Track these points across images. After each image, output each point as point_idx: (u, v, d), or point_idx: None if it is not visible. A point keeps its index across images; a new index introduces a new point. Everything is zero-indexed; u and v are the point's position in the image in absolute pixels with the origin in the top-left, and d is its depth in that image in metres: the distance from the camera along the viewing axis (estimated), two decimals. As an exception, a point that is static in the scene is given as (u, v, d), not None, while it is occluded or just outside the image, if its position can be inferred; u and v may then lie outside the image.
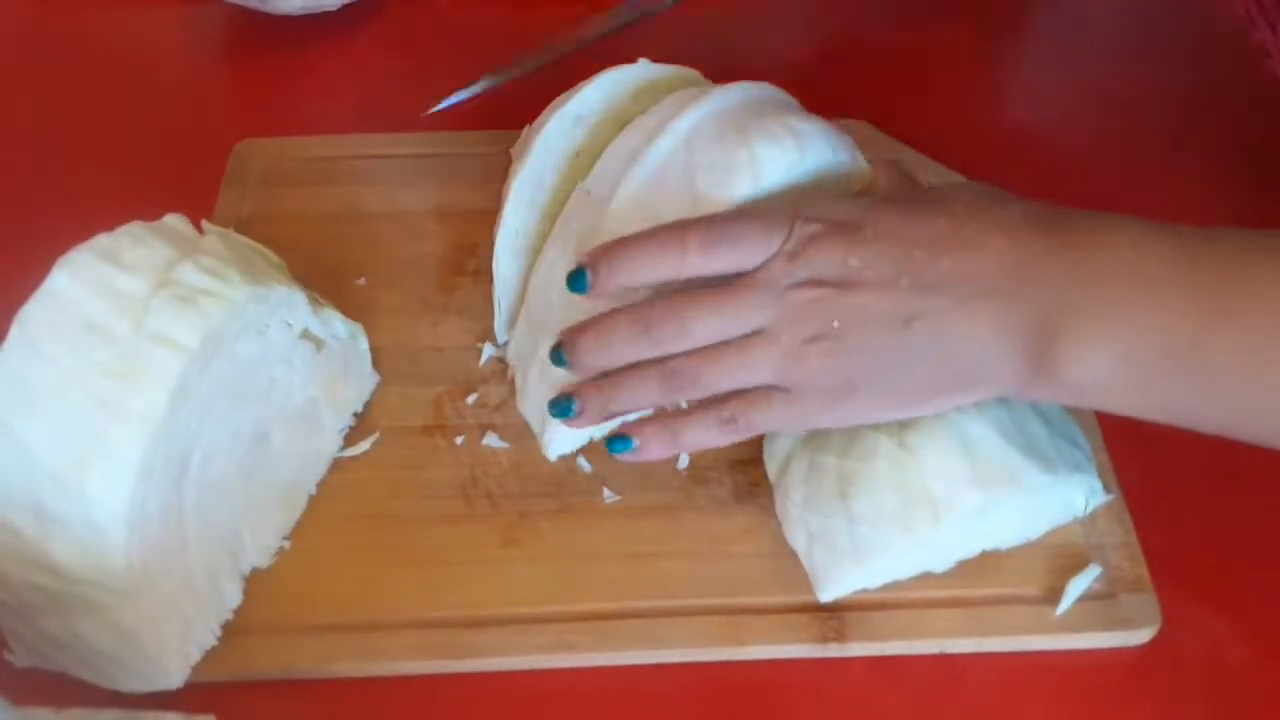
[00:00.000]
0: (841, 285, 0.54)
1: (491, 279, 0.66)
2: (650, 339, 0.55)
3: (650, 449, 0.57)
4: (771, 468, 0.61)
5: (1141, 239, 0.52)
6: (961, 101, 0.84)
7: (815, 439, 0.59)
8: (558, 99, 0.66)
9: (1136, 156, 0.79)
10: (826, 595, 0.58)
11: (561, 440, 0.62)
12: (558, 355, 0.57)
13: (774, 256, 0.54)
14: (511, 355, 0.66)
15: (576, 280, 0.57)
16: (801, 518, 0.58)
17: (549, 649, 0.57)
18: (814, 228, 0.54)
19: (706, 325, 0.55)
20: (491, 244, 0.66)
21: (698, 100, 0.60)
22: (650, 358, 0.56)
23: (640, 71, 0.66)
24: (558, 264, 0.61)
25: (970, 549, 0.59)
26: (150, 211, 0.75)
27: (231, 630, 0.57)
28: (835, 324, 0.54)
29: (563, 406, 0.58)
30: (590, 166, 0.62)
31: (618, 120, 0.63)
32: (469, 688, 0.57)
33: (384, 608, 0.58)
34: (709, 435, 0.57)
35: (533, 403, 0.62)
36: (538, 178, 0.64)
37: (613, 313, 0.56)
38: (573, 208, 0.62)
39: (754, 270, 0.55)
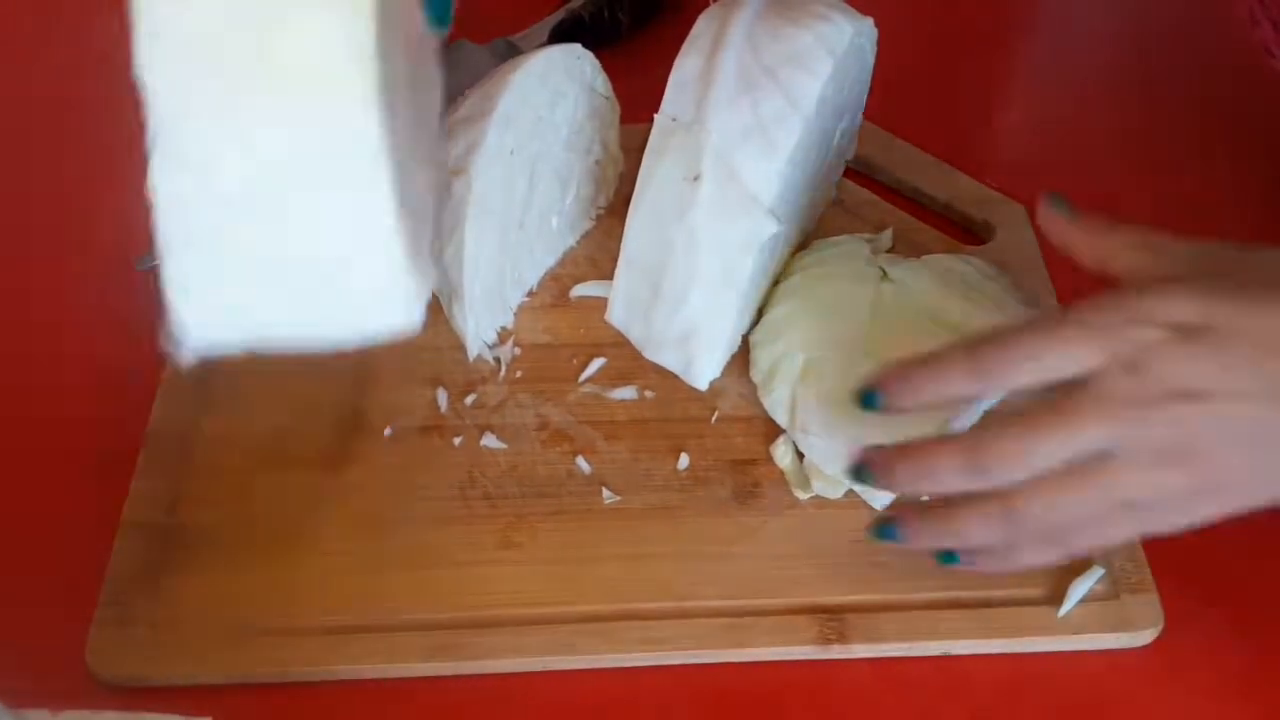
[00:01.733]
0: (1195, 398, 0.49)
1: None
2: (985, 475, 0.51)
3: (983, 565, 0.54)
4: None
5: None
6: (963, 101, 0.84)
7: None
8: (471, 100, 0.66)
9: (1138, 155, 0.79)
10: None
11: (706, 361, 0.63)
12: (863, 473, 0.54)
13: (1107, 369, 0.50)
14: (617, 318, 0.65)
15: (867, 400, 0.53)
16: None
17: (548, 650, 0.57)
18: (1152, 334, 0.50)
19: (1048, 453, 0.50)
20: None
21: (735, 10, 0.62)
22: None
23: (545, 63, 0.66)
24: (667, 204, 0.62)
25: None
26: (146, 208, 0.75)
27: (228, 631, 0.57)
28: (1193, 439, 0.50)
29: (886, 530, 0.54)
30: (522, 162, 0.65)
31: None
32: (467, 689, 0.56)
33: (381, 609, 0.58)
34: (1044, 557, 0.53)
35: (664, 338, 0.63)
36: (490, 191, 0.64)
37: (936, 443, 0.52)
38: (660, 138, 0.63)
39: (1087, 384, 0.50)
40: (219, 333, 0.45)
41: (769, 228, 0.60)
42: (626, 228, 0.63)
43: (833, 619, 0.57)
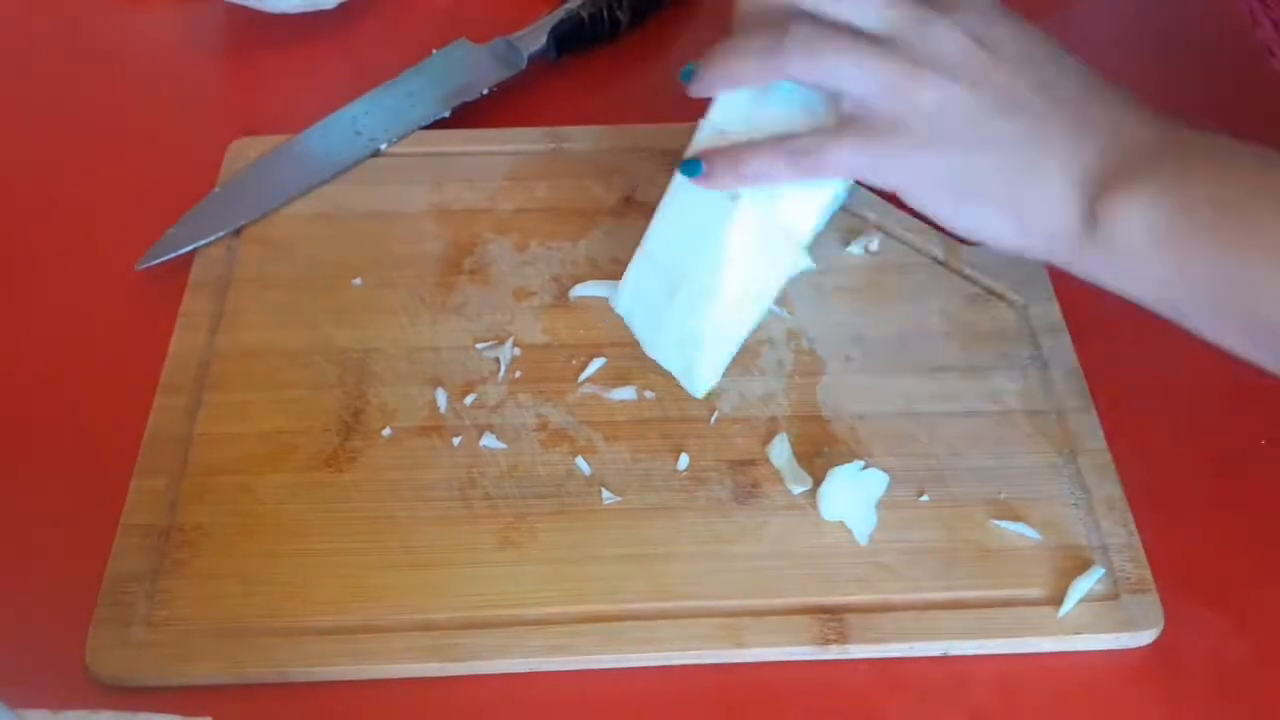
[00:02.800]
0: (976, 42, 0.54)
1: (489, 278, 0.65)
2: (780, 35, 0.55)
3: (716, 176, 0.57)
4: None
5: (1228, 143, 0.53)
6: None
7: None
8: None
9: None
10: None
11: (707, 371, 0.62)
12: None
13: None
14: (623, 308, 0.64)
15: (690, 168, 0.57)
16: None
17: (547, 651, 0.57)
18: None
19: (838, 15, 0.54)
20: (488, 243, 0.65)
21: None
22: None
23: None
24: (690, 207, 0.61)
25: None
26: (145, 208, 0.75)
27: (227, 632, 0.57)
28: (954, 68, 0.53)
29: (691, 166, 0.58)
30: None
31: None
32: (467, 690, 0.56)
33: (381, 609, 0.58)
34: (776, 167, 0.56)
35: (669, 338, 0.63)
36: None
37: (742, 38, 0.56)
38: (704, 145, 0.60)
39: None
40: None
41: (801, 263, 0.59)
42: (653, 224, 0.61)
43: (833, 619, 0.57)
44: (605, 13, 0.84)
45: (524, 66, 0.82)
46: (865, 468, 0.61)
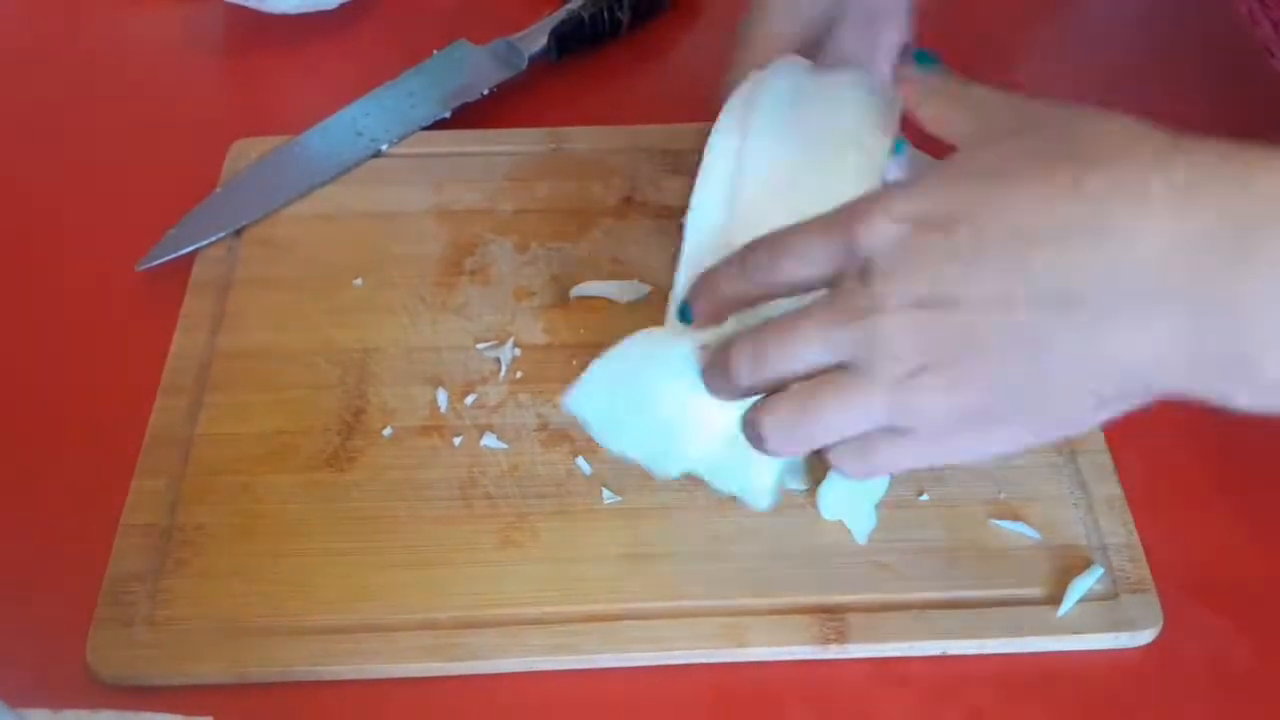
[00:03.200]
0: (939, 306, 0.44)
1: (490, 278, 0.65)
2: (729, 379, 0.50)
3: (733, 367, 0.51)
4: None
5: None
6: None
7: None
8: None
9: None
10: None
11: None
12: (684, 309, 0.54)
13: (845, 273, 0.46)
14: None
15: (682, 314, 0.53)
16: None
17: (548, 651, 0.57)
18: (888, 231, 0.45)
19: (777, 360, 0.48)
20: (488, 243, 0.65)
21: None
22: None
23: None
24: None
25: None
26: (146, 209, 0.75)
27: (228, 631, 0.57)
28: (942, 353, 0.44)
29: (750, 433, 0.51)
30: None
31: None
32: (467, 690, 0.56)
33: (381, 609, 0.58)
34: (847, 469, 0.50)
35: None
36: None
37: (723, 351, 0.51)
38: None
39: (832, 289, 0.47)
40: None
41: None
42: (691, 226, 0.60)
43: (833, 619, 0.57)
44: (606, 13, 0.84)
45: (524, 67, 0.82)
46: None
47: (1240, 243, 0.41)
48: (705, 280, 0.53)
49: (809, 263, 0.48)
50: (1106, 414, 0.46)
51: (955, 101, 0.51)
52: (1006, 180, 0.45)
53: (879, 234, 0.45)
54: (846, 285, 0.46)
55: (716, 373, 0.51)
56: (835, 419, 0.48)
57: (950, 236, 0.44)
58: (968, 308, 0.44)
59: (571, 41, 0.83)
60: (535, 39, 0.82)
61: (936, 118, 0.51)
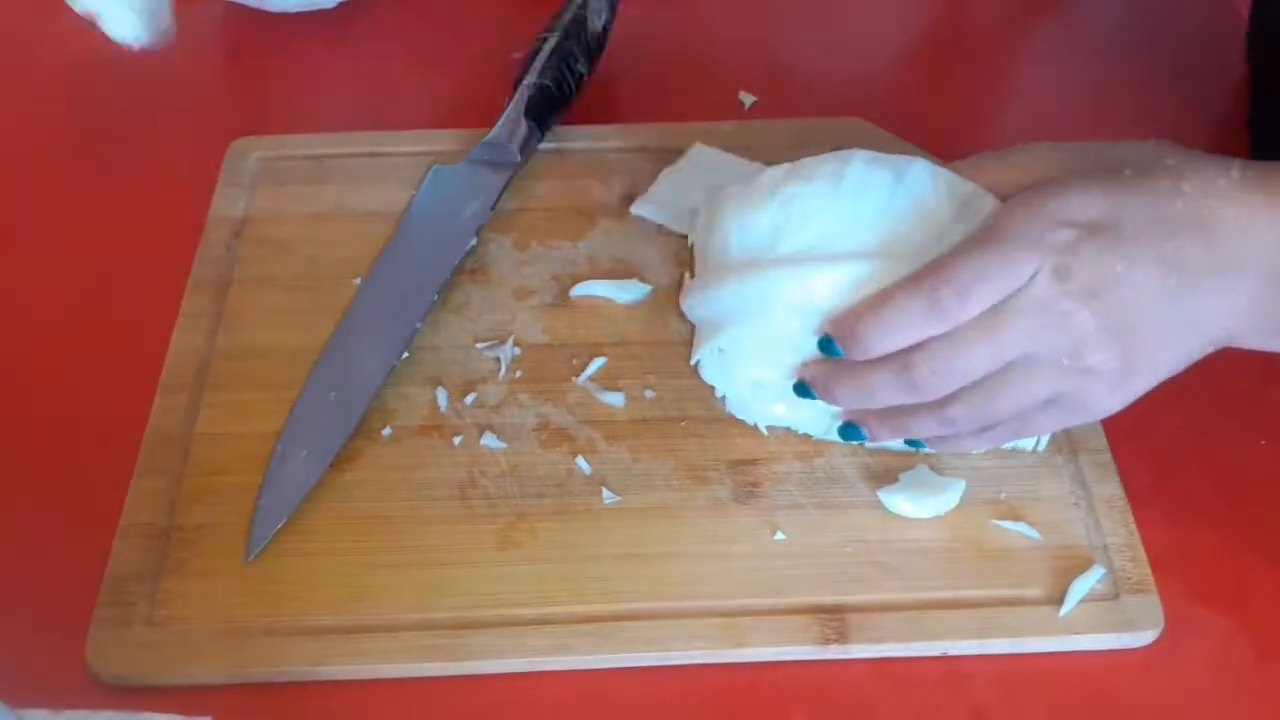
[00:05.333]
0: (1116, 291, 0.53)
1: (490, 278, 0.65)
2: (917, 392, 0.56)
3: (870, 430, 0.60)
4: None
5: None
6: (962, 98, 0.84)
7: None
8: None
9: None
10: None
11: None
12: (804, 390, 0.60)
13: (1036, 277, 0.53)
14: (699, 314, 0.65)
15: (828, 348, 0.58)
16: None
17: (547, 651, 0.57)
18: (1068, 234, 0.53)
19: (973, 369, 0.55)
20: (487, 243, 0.65)
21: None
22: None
23: None
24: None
25: None
26: (146, 207, 0.75)
27: (227, 631, 0.57)
28: (1109, 331, 0.53)
29: (852, 432, 0.60)
30: None
31: None
32: (466, 690, 0.56)
33: (380, 609, 0.58)
34: (978, 445, 0.60)
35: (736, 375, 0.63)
36: None
37: (871, 363, 0.57)
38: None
39: (1017, 295, 0.54)
40: None
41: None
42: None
43: (833, 619, 0.57)
44: (565, 71, 0.79)
45: (520, 159, 0.76)
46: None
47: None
48: (868, 325, 0.56)
49: (1002, 284, 0.54)
50: (1195, 359, 0.56)
51: (1003, 163, 0.59)
52: (1126, 189, 0.54)
53: (1067, 243, 0.53)
54: (1039, 292, 0.53)
55: (889, 382, 0.57)
56: (1014, 406, 0.56)
57: (1110, 236, 0.53)
58: (1138, 290, 0.53)
59: (547, 114, 0.78)
60: (512, 125, 0.76)
61: (994, 183, 0.58)
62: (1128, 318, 0.53)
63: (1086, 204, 0.54)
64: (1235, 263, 0.53)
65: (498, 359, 0.67)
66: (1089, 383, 0.55)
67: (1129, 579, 0.58)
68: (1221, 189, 0.53)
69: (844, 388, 0.58)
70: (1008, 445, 0.62)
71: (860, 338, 0.56)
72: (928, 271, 0.55)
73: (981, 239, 0.55)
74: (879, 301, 0.56)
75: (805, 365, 0.60)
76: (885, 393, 0.57)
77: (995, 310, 0.54)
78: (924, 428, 0.58)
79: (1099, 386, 0.55)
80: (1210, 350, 0.55)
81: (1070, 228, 0.53)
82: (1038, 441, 0.62)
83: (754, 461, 0.63)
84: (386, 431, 0.64)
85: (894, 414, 0.59)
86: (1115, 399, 0.56)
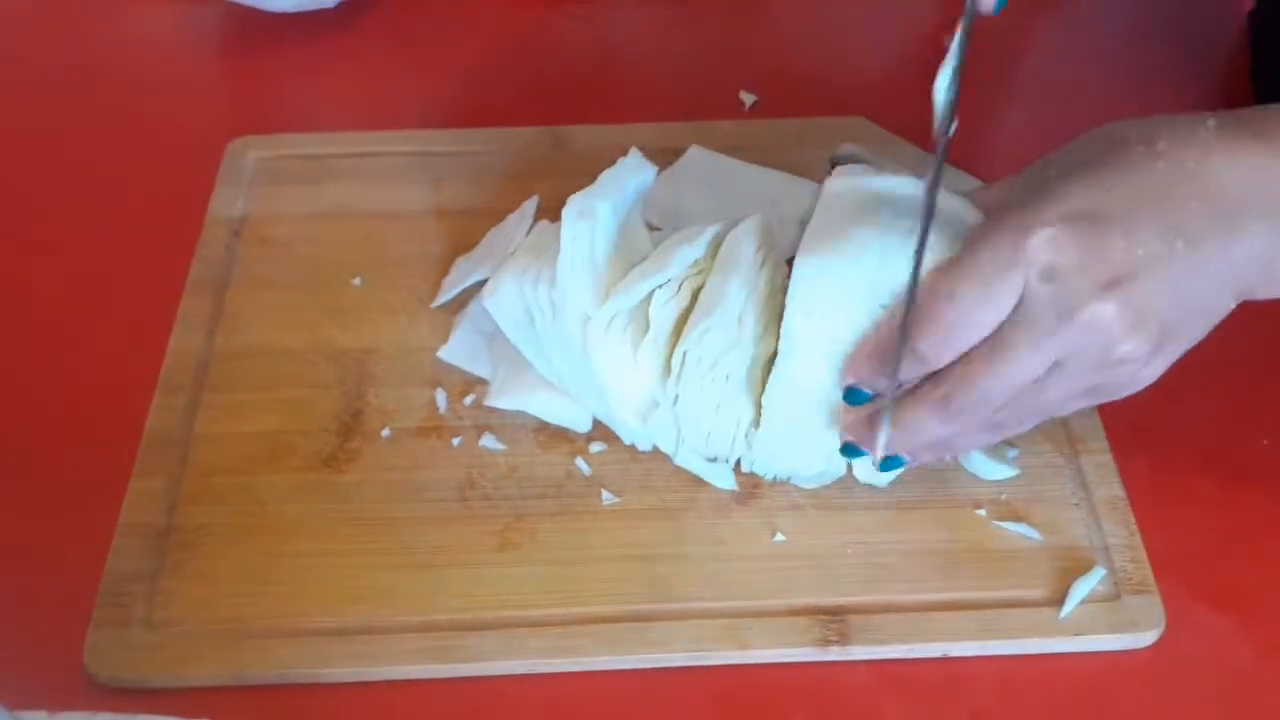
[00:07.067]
0: (1126, 277, 0.51)
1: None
2: (958, 422, 0.55)
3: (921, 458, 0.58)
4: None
5: None
6: (963, 98, 0.84)
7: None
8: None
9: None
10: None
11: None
12: (854, 450, 0.58)
13: (1026, 289, 0.51)
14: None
15: (855, 396, 0.56)
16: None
17: (547, 653, 0.56)
18: (1048, 233, 0.51)
19: (1003, 391, 0.53)
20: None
21: None
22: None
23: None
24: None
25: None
26: (144, 207, 0.75)
27: (226, 633, 0.57)
28: (1132, 318, 0.51)
29: (892, 463, 0.58)
30: None
31: None
32: (466, 691, 0.56)
33: (380, 611, 0.58)
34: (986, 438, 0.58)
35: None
36: None
37: (910, 404, 0.55)
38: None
39: (1016, 313, 0.52)
40: None
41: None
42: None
43: (833, 620, 0.57)
44: None
45: None
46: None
47: (1273, 163, 0.51)
48: (871, 370, 0.55)
49: (985, 318, 0.52)
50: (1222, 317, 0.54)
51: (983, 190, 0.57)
52: (1099, 169, 0.52)
53: (1045, 242, 0.51)
54: (1034, 302, 0.51)
55: (930, 416, 0.55)
56: (1048, 407, 0.55)
57: (1094, 221, 0.51)
58: (1141, 273, 0.51)
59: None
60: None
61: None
62: (1145, 294, 0.51)
63: (1059, 202, 0.52)
64: (1241, 208, 0.51)
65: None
66: (1125, 367, 0.53)
67: (1130, 580, 0.58)
68: (1202, 139, 0.51)
69: (895, 435, 0.56)
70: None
71: (867, 385, 0.56)
72: (905, 320, 0.53)
73: (954, 274, 0.53)
74: (875, 352, 0.55)
75: (844, 424, 0.58)
76: (927, 429, 0.55)
77: (1001, 329, 0.52)
78: (972, 443, 0.58)
79: (1135, 367, 0.53)
80: (1233, 306, 0.53)
81: (1046, 228, 0.51)
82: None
83: (754, 462, 0.63)
84: (385, 432, 0.64)
85: (943, 443, 0.57)
86: (1150, 372, 0.54)
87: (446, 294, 0.69)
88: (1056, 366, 0.53)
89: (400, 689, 0.56)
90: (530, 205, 0.70)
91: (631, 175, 0.64)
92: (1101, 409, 0.64)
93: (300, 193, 0.76)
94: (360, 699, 0.56)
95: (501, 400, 0.64)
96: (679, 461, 0.62)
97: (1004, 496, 0.61)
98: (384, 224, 0.74)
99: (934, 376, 0.54)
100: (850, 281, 0.55)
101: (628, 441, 0.63)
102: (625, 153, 0.74)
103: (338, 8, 0.87)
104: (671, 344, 0.59)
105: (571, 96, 0.83)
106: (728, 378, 0.58)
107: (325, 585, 0.58)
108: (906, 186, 0.57)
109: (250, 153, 0.77)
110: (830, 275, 0.55)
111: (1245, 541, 0.61)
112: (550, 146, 0.78)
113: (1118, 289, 0.51)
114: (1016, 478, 0.62)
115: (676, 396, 0.59)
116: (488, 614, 0.57)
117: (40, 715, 0.49)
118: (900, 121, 0.77)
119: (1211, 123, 0.52)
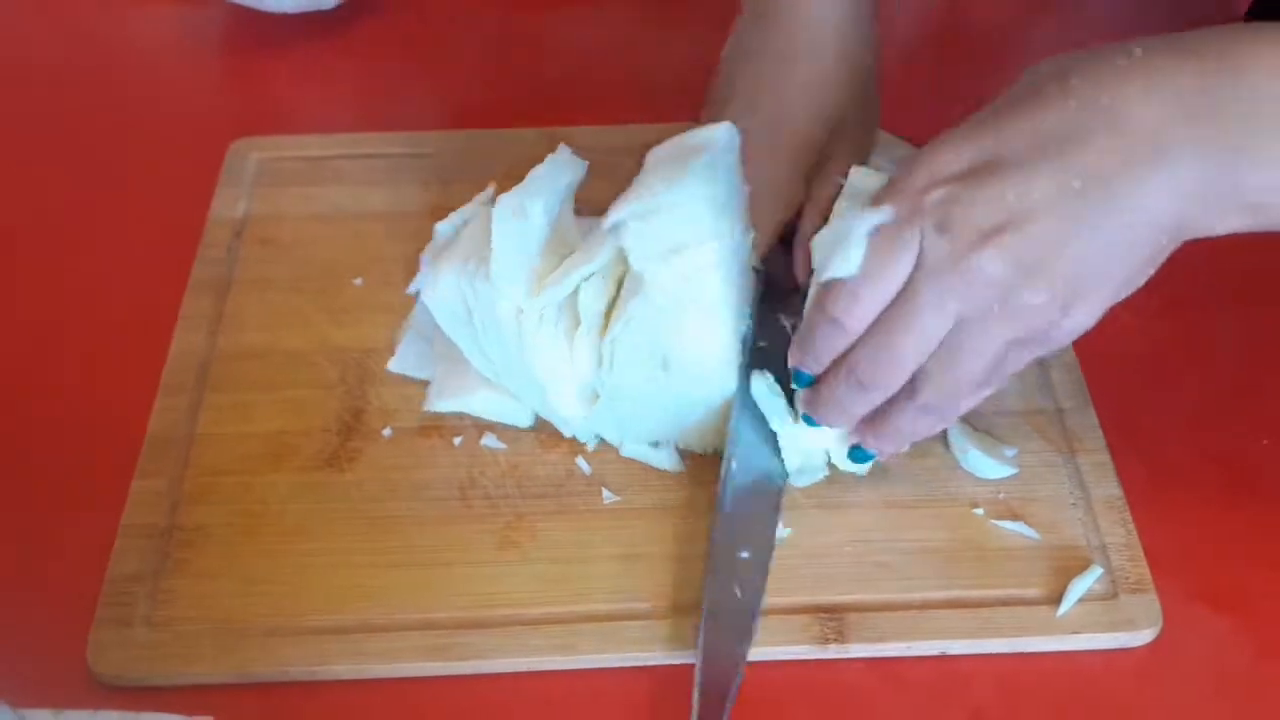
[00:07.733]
0: (1012, 225, 0.50)
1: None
2: (871, 390, 0.55)
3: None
4: None
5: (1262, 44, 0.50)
6: (963, 98, 0.84)
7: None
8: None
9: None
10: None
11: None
12: (858, 453, 0.59)
13: (923, 243, 0.51)
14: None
15: (798, 379, 0.57)
16: None
17: (547, 651, 0.57)
18: (941, 193, 0.51)
19: (913, 344, 0.53)
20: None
21: None
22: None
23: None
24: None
25: None
26: (145, 208, 0.75)
27: (228, 631, 0.57)
28: (1030, 263, 0.50)
29: (859, 454, 0.59)
30: None
31: None
32: (466, 690, 0.56)
33: (381, 609, 0.58)
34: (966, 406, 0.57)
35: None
36: None
37: (827, 374, 0.56)
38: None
39: (917, 269, 0.51)
40: None
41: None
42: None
43: (831, 618, 0.57)
44: None
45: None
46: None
47: (1205, 83, 0.49)
48: (803, 347, 0.56)
49: (892, 272, 0.52)
50: (1149, 262, 0.51)
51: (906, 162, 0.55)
52: (1008, 114, 0.51)
53: (941, 194, 0.51)
54: (930, 254, 0.51)
55: (844, 388, 0.55)
56: (973, 370, 0.53)
57: (995, 170, 0.50)
58: (1034, 217, 0.50)
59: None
60: None
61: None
62: (1038, 242, 0.50)
63: (956, 155, 0.51)
64: (1162, 141, 0.48)
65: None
66: (1037, 317, 0.51)
67: (1127, 579, 0.59)
68: (1120, 70, 0.49)
69: (820, 407, 0.57)
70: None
71: (800, 364, 0.57)
72: (824, 291, 0.54)
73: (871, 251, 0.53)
74: (804, 328, 0.56)
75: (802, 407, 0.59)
76: (848, 399, 0.56)
77: (905, 289, 0.52)
78: (911, 422, 0.56)
79: (1049, 316, 0.51)
80: (1172, 244, 0.51)
81: (942, 185, 0.51)
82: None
83: (753, 461, 0.63)
84: (386, 432, 0.64)
85: (879, 420, 0.57)
86: (1075, 320, 0.52)
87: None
88: (963, 323, 0.52)
89: (401, 687, 0.56)
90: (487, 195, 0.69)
91: (563, 172, 0.63)
92: (1100, 410, 0.64)
93: (302, 194, 0.76)
94: (361, 697, 0.56)
95: (440, 403, 0.64)
96: (625, 453, 0.63)
97: (1002, 495, 0.62)
98: (385, 224, 0.74)
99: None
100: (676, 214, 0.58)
101: (567, 434, 0.63)
102: (625, 153, 0.74)
103: (338, 8, 0.87)
104: (602, 334, 0.60)
105: (571, 97, 0.83)
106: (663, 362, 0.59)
107: (327, 584, 0.59)
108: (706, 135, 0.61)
109: (252, 154, 0.78)
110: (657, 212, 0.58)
111: (1243, 541, 0.61)
112: (550, 147, 0.78)
113: (1001, 236, 0.50)
114: (1014, 477, 0.62)
115: (613, 386, 0.60)
116: (489, 612, 0.58)
117: (44, 713, 0.49)
118: (900, 122, 0.77)
119: (1138, 51, 0.50)
